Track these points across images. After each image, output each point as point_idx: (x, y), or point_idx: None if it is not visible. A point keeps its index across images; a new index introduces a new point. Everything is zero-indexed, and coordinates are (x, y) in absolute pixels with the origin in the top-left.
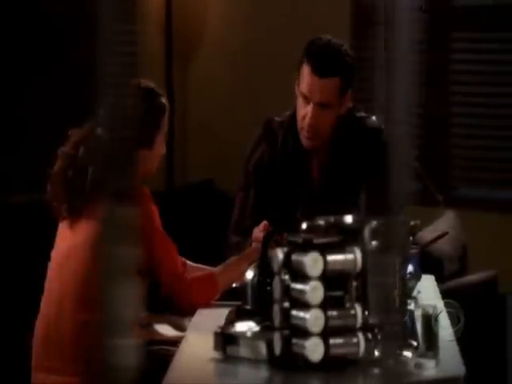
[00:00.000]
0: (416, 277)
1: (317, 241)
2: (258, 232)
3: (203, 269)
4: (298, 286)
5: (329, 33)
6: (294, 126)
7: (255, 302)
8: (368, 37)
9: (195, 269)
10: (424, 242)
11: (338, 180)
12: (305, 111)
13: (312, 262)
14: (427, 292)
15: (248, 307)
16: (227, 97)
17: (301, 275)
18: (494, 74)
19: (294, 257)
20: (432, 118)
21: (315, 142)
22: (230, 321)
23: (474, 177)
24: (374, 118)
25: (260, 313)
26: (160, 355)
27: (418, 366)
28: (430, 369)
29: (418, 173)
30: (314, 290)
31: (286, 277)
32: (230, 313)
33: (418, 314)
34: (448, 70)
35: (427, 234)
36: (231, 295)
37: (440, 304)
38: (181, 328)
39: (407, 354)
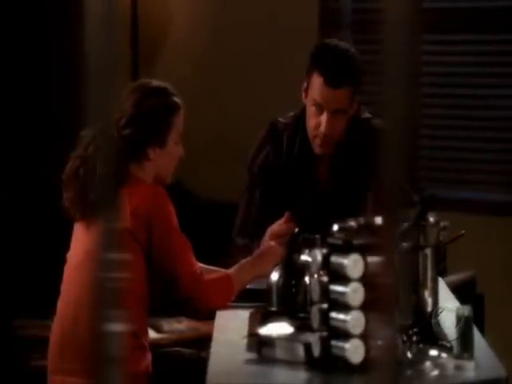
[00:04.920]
0: None
1: (357, 242)
2: (278, 225)
3: (215, 270)
4: (338, 288)
5: (297, 34)
6: (299, 128)
7: (280, 303)
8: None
9: (208, 270)
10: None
11: (345, 181)
12: (317, 120)
13: (353, 264)
14: (442, 293)
15: (273, 309)
16: (194, 98)
17: (340, 277)
18: (462, 76)
19: (334, 258)
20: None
21: (329, 149)
22: (260, 322)
23: (443, 178)
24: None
25: (287, 314)
26: (171, 357)
27: (459, 367)
28: (470, 370)
29: None
30: (354, 292)
31: (324, 278)
32: (252, 314)
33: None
34: (416, 71)
35: None
36: (245, 297)
37: (457, 304)
38: (160, 330)
39: (443, 355)
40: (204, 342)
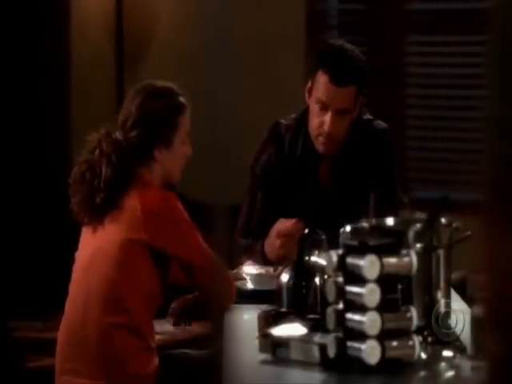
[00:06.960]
0: None
1: (373, 243)
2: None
3: None
4: (354, 289)
5: (284, 35)
6: (301, 130)
7: (291, 304)
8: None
9: None
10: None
11: (347, 182)
12: (321, 119)
13: (369, 265)
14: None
15: (284, 310)
16: None
17: (357, 278)
18: (448, 77)
19: (350, 259)
20: (387, 121)
21: (331, 148)
22: (271, 323)
23: (429, 179)
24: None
25: (298, 315)
26: (179, 358)
27: (475, 368)
28: None
29: None
30: (371, 293)
31: (340, 279)
32: (261, 315)
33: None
34: (402, 73)
35: None
36: (252, 298)
37: (465, 306)
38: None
39: (458, 356)
40: (197, 342)
